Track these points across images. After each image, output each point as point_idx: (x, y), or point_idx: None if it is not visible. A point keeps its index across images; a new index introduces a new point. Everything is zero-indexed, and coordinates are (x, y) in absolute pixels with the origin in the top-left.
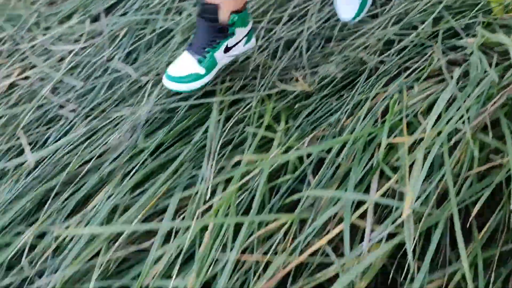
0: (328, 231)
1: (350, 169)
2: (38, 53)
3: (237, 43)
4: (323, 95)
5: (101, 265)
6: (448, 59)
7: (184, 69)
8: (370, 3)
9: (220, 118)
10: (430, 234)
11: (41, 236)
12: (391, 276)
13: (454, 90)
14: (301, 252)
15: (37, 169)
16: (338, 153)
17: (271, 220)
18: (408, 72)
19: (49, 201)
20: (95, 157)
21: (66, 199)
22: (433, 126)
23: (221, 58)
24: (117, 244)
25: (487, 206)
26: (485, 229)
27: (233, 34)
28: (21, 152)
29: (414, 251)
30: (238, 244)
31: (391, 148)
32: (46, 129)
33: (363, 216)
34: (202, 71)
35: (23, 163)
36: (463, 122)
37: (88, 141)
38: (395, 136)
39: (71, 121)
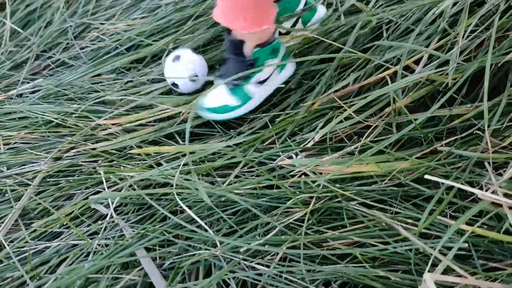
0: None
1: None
2: None
3: (269, 76)
4: None
5: None
6: None
7: (217, 100)
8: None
9: None
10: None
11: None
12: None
13: None
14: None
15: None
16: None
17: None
18: None
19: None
20: None
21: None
22: None
23: (258, 91)
24: None
25: None
26: None
27: (261, 66)
28: None
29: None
30: None
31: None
32: None
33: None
34: (234, 102)
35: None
36: None
37: None
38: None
39: None
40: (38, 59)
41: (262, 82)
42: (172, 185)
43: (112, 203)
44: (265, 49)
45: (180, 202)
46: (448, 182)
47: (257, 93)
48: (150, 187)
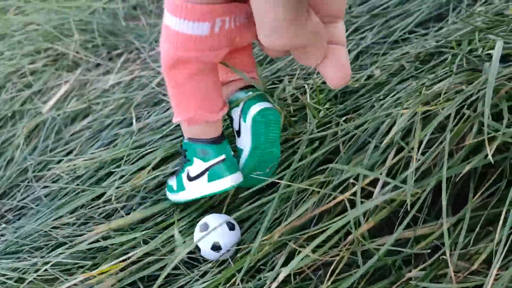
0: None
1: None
2: (154, 59)
3: (197, 176)
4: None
5: None
6: None
7: (171, 179)
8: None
9: None
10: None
11: None
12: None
13: None
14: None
15: (139, 134)
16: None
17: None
18: None
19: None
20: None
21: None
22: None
23: (189, 186)
24: None
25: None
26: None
27: (190, 161)
28: (131, 124)
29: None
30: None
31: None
32: (150, 108)
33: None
34: (174, 185)
35: (131, 132)
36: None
37: None
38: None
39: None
40: None
41: (192, 179)
42: None
43: None
44: (192, 145)
45: None
46: None
47: (189, 187)
48: None
